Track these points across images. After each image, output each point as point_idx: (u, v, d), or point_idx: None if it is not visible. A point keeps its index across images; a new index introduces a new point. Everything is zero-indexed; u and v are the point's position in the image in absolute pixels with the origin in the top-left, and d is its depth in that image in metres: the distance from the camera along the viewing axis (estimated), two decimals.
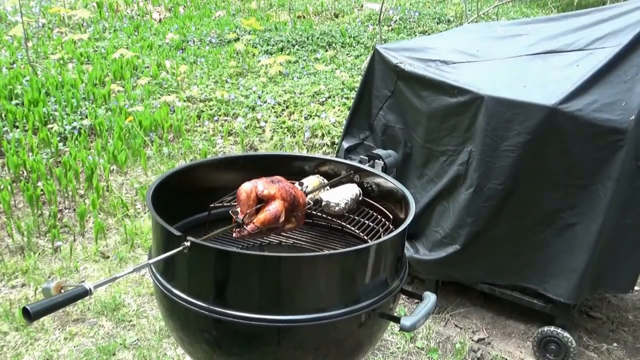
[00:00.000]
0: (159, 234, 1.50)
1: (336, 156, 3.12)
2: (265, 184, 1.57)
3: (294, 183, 1.76)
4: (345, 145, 2.99)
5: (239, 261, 1.42)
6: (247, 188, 1.57)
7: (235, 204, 1.62)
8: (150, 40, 6.67)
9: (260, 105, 4.94)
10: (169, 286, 1.48)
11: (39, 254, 3.23)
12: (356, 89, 3.09)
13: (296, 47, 6.50)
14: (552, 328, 2.55)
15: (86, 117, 4.65)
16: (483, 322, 2.85)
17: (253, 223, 1.55)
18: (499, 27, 3.01)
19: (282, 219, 1.56)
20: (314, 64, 5.93)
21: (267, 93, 5.14)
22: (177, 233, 1.39)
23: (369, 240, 1.71)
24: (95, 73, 5.42)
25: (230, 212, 1.64)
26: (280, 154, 2.47)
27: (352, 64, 5.95)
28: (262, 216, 1.54)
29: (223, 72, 5.74)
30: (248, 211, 1.55)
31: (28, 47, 5.91)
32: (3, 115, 4.52)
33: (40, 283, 2.97)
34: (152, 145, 4.37)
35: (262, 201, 1.57)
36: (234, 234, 1.59)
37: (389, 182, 1.83)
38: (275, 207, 1.54)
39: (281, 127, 4.63)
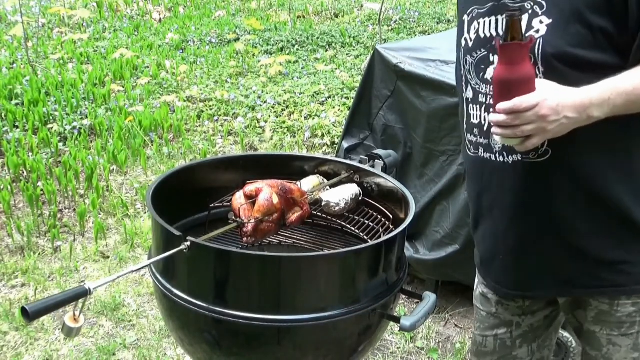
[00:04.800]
0: (159, 234, 1.50)
1: (336, 156, 3.12)
2: (250, 184, 1.65)
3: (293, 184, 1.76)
4: (345, 145, 2.99)
5: (239, 261, 1.42)
6: (236, 195, 1.64)
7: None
8: (150, 40, 6.67)
9: (260, 105, 4.94)
10: (169, 286, 1.48)
11: (39, 254, 3.23)
12: (356, 89, 3.09)
13: (296, 47, 6.50)
14: None
15: (86, 117, 4.65)
16: None
17: (252, 216, 1.58)
18: None
19: (276, 200, 1.59)
20: (314, 64, 5.93)
21: (267, 93, 5.14)
22: (177, 233, 1.39)
23: (369, 240, 1.71)
24: (95, 73, 5.41)
25: (229, 219, 1.65)
26: (280, 154, 2.48)
27: (352, 64, 5.95)
28: (257, 206, 1.59)
29: (223, 72, 5.74)
30: (241, 207, 1.58)
31: (28, 47, 5.91)
32: (3, 115, 4.52)
33: (40, 283, 2.97)
34: (152, 145, 4.37)
35: (252, 198, 1.62)
36: (243, 239, 1.60)
37: (389, 182, 1.82)
38: (265, 193, 1.60)
39: (281, 127, 4.63)
